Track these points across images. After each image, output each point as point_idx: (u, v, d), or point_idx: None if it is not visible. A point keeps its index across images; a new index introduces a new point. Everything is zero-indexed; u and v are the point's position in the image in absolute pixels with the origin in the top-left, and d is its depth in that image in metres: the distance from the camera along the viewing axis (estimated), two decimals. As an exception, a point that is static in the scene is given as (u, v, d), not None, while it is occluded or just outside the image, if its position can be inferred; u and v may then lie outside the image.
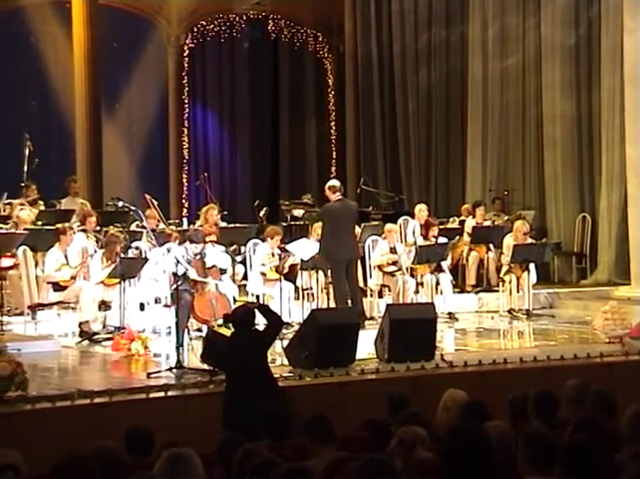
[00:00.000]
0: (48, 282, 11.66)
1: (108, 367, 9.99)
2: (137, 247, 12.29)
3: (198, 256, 10.64)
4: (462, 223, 14.86)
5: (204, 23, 18.38)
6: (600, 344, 10.50)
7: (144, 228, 12.27)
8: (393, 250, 12.99)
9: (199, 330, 10.99)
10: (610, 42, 15.05)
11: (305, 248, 12.00)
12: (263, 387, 8.08)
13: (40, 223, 12.94)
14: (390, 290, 12.85)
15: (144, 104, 18.38)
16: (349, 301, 11.69)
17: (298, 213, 14.30)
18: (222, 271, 11.48)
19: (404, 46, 18.11)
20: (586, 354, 9.91)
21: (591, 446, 4.66)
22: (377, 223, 14.35)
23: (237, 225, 14.16)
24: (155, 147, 18.31)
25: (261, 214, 14.93)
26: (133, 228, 13.18)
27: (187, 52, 18.26)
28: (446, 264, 13.13)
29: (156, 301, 11.57)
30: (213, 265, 11.10)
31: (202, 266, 10.74)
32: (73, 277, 11.61)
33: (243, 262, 12.71)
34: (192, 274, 10.46)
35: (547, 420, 5.98)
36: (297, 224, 14.67)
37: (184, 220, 14.71)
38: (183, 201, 17.95)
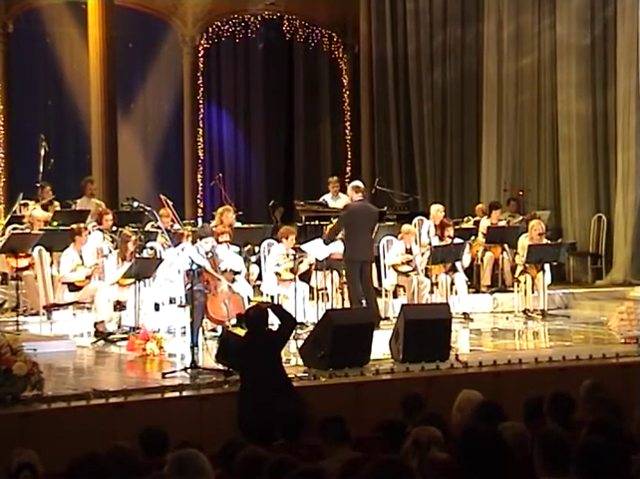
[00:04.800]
0: (63, 283, 11.70)
1: (123, 367, 10.02)
2: (151, 248, 12.32)
3: (210, 255, 10.59)
4: (476, 223, 14.85)
5: (219, 24, 18.41)
6: (616, 345, 10.47)
7: (159, 228, 12.30)
8: (409, 251, 12.99)
9: (214, 330, 11.01)
10: (626, 41, 15.02)
11: (320, 249, 12.01)
12: (278, 387, 8.08)
13: (55, 223, 12.99)
14: (405, 291, 12.84)
15: (159, 104, 18.43)
16: (363, 302, 11.70)
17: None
18: (236, 272, 11.50)
19: (419, 46, 18.09)
20: (602, 355, 9.88)
21: (606, 447, 4.65)
22: (392, 223, 14.35)
23: (252, 225, 14.19)
24: (170, 147, 18.35)
25: (276, 213, 14.96)
26: (148, 228, 13.22)
27: (203, 52, 18.29)
28: (460, 265, 13.11)
29: (170, 301, 11.60)
30: (227, 269, 11.09)
31: (215, 265, 10.70)
32: (88, 278, 11.65)
33: (258, 263, 12.72)
34: (208, 267, 10.38)
35: (563, 421, 5.97)
36: (312, 224, 14.68)
37: (200, 220, 14.74)
38: (198, 201, 17.98)
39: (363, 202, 12.20)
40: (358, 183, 12.57)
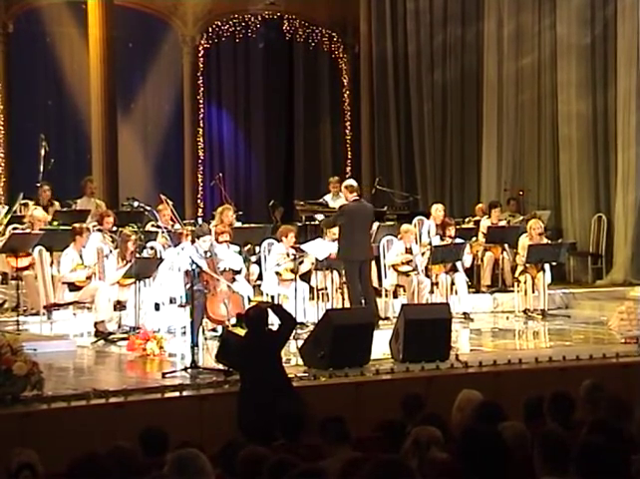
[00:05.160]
0: (63, 283, 11.70)
1: (123, 367, 10.02)
2: (152, 247, 12.32)
3: (209, 254, 10.57)
4: (476, 223, 14.85)
5: (220, 23, 18.41)
6: (616, 345, 10.47)
7: (159, 227, 12.31)
8: (409, 251, 12.98)
9: (214, 330, 11.01)
10: (626, 41, 15.02)
11: (320, 248, 12.00)
12: (278, 387, 8.09)
13: (56, 223, 12.99)
14: (405, 290, 12.84)
15: (159, 104, 18.43)
16: (363, 301, 11.70)
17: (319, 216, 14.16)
18: (236, 272, 11.50)
19: (419, 46, 18.09)
20: (602, 355, 9.88)
21: (606, 447, 4.65)
22: (392, 223, 14.35)
23: (252, 225, 14.19)
24: (170, 147, 18.35)
25: (276, 213, 14.97)
26: (148, 228, 13.22)
27: (203, 52, 18.29)
28: (461, 264, 13.10)
29: (170, 301, 11.59)
30: (225, 269, 11.08)
31: (213, 265, 10.69)
32: (88, 278, 11.65)
33: (258, 262, 12.72)
34: (205, 267, 10.35)
35: (563, 421, 5.97)
36: (312, 224, 14.70)
37: (200, 220, 14.74)
38: (199, 201, 17.98)
39: (358, 201, 12.17)
40: (352, 182, 12.52)
